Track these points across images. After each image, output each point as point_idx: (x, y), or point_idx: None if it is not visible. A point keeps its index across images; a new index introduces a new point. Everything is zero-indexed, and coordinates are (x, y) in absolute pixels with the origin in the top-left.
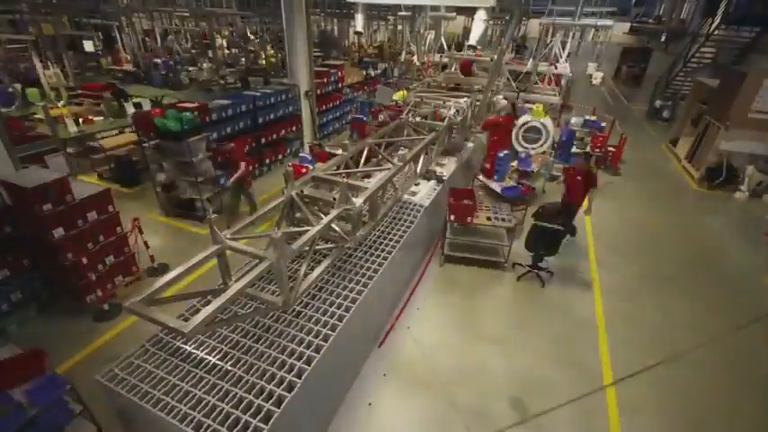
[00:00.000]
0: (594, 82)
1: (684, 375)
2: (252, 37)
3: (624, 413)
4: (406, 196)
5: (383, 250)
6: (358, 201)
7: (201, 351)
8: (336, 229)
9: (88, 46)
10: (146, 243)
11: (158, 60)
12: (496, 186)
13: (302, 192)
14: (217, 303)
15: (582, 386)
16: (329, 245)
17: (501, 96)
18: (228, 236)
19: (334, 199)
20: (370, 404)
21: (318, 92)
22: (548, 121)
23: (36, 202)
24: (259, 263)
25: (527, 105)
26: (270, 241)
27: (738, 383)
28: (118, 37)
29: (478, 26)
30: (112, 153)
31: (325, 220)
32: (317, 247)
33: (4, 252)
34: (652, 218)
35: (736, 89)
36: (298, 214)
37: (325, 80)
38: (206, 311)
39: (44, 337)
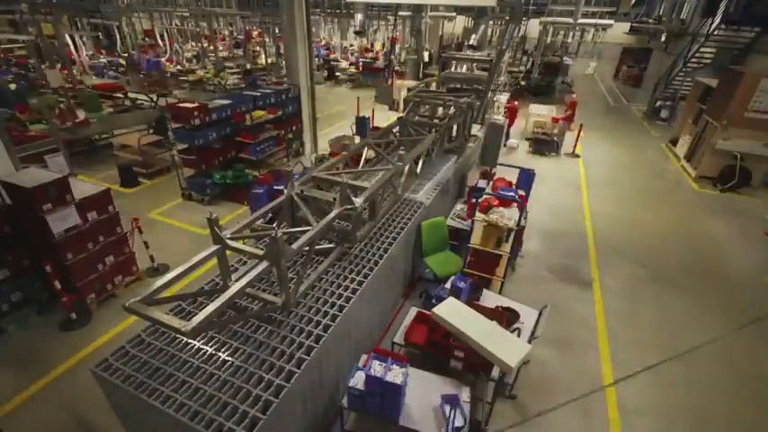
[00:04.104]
0: (588, 71)
1: (685, 375)
2: (253, 35)
3: (624, 413)
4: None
5: (392, 233)
6: (358, 201)
7: (198, 341)
8: (337, 229)
9: (88, 46)
10: (145, 243)
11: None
12: None
13: (302, 192)
14: (217, 303)
15: (582, 386)
16: (329, 244)
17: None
18: (228, 236)
19: (334, 199)
20: None
21: None
22: None
23: (36, 202)
24: (259, 263)
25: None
26: (270, 241)
27: (739, 384)
28: (117, 36)
29: (479, 26)
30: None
31: (325, 220)
32: (317, 247)
33: (5, 252)
34: (651, 217)
35: (733, 89)
36: (298, 214)
37: None
38: (206, 311)
39: (44, 337)
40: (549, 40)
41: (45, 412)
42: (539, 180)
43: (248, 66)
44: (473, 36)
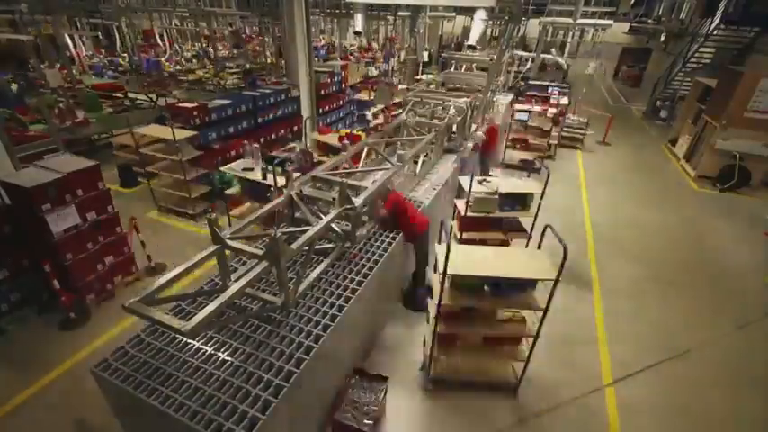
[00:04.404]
0: (588, 71)
1: (684, 375)
2: (253, 36)
3: (624, 413)
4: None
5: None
6: (358, 201)
7: (198, 341)
8: (336, 228)
9: (87, 46)
10: (142, 243)
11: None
12: None
13: (302, 191)
14: (216, 303)
15: (581, 386)
16: (329, 244)
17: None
18: (228, 235)
19: (334, 199)
20: None
21: (323, 92)
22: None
23: (36, 202)
24: (258, 263)
25: None
26: (270, 241)
27: (739, 384)
28: (117, 37)
29: (478, 26)
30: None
31: (326, 219)
32: (316, 247)
33: (4, 252)
34: (651, 217)
35: (732, 89)
36: (298, 214)
37: (329, 80)
38: (206, 311)
39: (44, 337)
40: (548, 39)
41: (45, 412)
42: (536, 178)
43: (248, 66)
44: (472, 36)
